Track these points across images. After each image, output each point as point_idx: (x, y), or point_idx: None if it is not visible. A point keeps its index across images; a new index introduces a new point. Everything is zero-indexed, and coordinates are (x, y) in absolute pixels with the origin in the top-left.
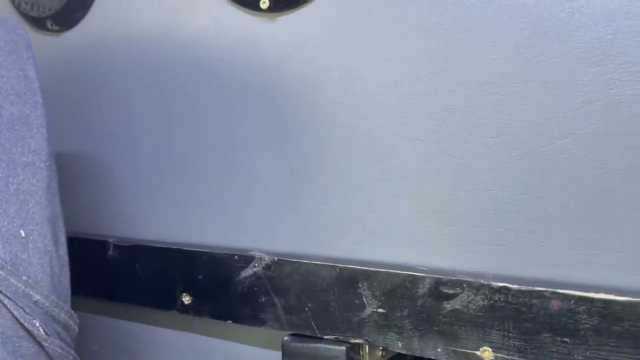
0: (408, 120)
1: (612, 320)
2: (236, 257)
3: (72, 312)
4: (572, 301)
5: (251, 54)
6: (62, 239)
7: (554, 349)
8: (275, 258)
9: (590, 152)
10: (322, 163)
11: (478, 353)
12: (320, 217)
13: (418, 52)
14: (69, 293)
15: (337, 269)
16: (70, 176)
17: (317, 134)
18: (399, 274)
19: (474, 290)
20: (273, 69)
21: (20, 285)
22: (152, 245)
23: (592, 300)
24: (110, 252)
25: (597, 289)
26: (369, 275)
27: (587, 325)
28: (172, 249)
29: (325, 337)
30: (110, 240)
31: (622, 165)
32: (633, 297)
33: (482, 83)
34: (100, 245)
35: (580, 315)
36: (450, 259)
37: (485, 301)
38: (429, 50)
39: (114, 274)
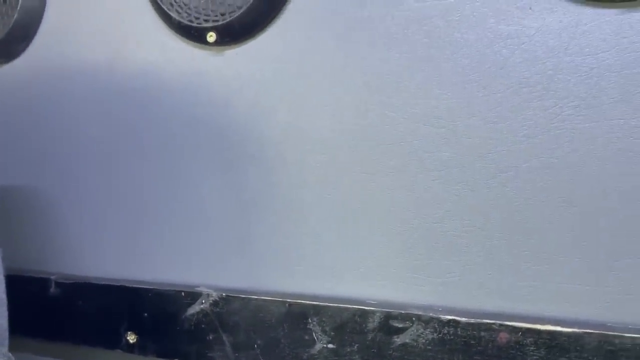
0: (356, 154)
1: (558, 352)
2: (183, 293)
3: (10, 354)
4: (520, 333)
5: (199, 86)
6: (0, 278)
7: None
8: (223, 294)
9: (534, 185)
10: (271, 197)
11: None
12: (269, 252)
13: (364, 85)
14: (6, 334)
15: (287, 305)
16: (12, 210)
17: (266, 167)
18: (349, 308)
19: (424, 324)
20: (221, 102)
21: None
22: (96, 282)
23: (539, 332)
24: (52, 290)
25: (544, 321)
26: (318, 310)
27: (534, 357)
28: (117, 285)
29: None
30: (52, 277)
31: (564, 197)
32: (579, 328)
33: (427, 117)
34: (41, 283)
35: (527, 347)
36: (399, 292)
37: (435, 334)
38: (375, 84)
39: (55, 313)
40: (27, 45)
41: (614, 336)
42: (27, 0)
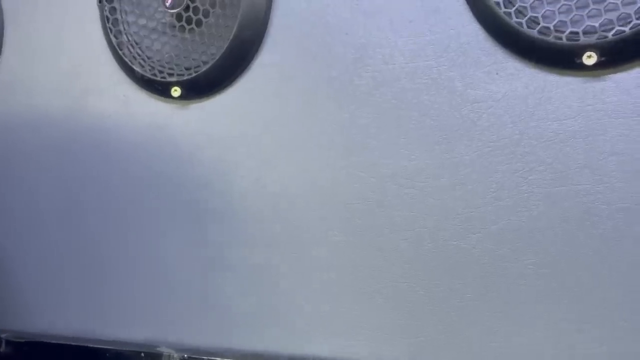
0: (324, 212)
1: None
2: (142, 354)
3: None
4: None
5: (162, 140)
6: None
7: None
8: (185, 355)
9: (502, 247)
10: (236, 254)
11: None
12: (234, 310)
13: (333, 144)
14: None
15: None
16: None
17: (231, 224)
18: None
19: None
20: (186, 157)
21: None
22: (50, 341)
23: None
24: (2, 349)
25: None
26: None
27: None
28: (72, 345)
29: None
30: (3, 335)
31: (532, 259)
32: None
33: (395, 177)
34: None
35: None
36: (369, 350)
37: None
38: (342, 143)
39: None
40: None
41: None
42: None
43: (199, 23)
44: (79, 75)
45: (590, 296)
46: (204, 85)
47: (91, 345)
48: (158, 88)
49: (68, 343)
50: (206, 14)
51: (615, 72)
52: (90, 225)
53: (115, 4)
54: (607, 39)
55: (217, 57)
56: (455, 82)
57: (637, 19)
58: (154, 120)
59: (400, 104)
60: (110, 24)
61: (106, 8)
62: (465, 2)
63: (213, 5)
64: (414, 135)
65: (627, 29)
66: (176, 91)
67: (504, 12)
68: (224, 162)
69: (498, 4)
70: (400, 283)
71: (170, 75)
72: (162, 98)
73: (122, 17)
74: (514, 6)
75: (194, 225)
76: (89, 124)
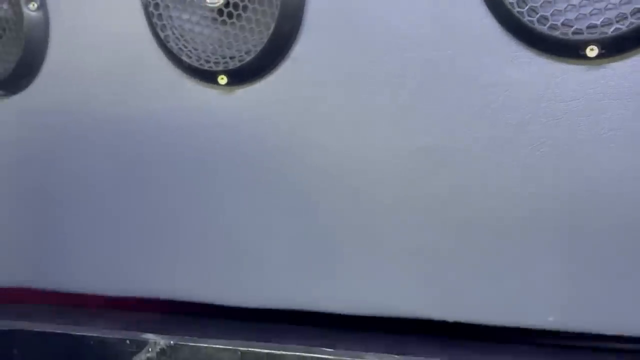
0: (370, 184)
1: None
2: (128, 341)
3: None
4: None
5: (210, 121)
6: None
7: None
8: (172, 342)
9: (517, 210)
10: (290, 221)
11: None
12: (290, 270)
13: (373, 124)
14: None
15: (239, 353)
16: None
17: (279, 196)
18: (305, 356)
19: None
20: (232, 136)
21: None
22: (32, 329)
23: None
24: None
25: None
26: (272, 358)
27: None
28: (56, 332)
29: None
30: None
31: (544, 223)
32: None
33: (429, 151)
34: None
35: None
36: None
37: None
38: (384, 122)
39: None
40: (30, 81)
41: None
42: (30, 39)
43: (239, 17)
44: (127, 66)
45: (592, 255)
46: (247, 73)
47: (74, 333)
48: (206, 76)
49: (51, 331)
50: (245, 9)
51: (613, 62)
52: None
53: (158, 0)
54: (607, 35)
55: (259, 48)
56: (472, 69)
57: (632, 17)
58: (202, 103)
59: (428, 88)
60: (155, 18)
61: (150, 3)
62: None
63: (252, 1)
64: (439, 115)
65: (624, 26)
66: (222, 79)
67: (518, 11)
68: (268, 140)
69: (512, 3)
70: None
71: (217, 64)
72: (209, 85)
73: (165, 12)
74: (526, 5)
75: (243, 193)
76: (140, 108)
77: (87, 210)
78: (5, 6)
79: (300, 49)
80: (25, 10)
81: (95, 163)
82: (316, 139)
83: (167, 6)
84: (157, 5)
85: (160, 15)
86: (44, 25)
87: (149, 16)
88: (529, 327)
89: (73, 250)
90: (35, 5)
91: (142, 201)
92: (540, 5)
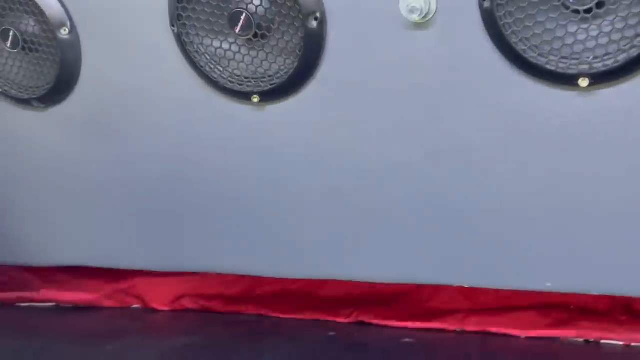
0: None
1: None
2: None
3: None
4: None
5: (245, 134)
6: None
7: None
8: None
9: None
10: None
11: None
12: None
13: (391, 133)
14: None
15: None
16: None
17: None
18: None
19: None
20: (264, 148)
21: None
22: None
23: None
24: None
25: None
26: None
27: None
28: None
29: None
30: None
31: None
32: None
33: (435, 151)
34: None
35: None
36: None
37: None
38: (400, 130)
39: None
40: (67, 95)
41: None
42: (65, 59)
43: (267, 46)
44: (158, 82)
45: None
46: (278, 92)
47: None
48: (240, 96)
49: None
50: (272, 38)
51: (602, 89)
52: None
53: (190, 30)
54: (597, 70)
55: (289, 70)
56: (481, 91)
57: (617, 56)
58: (237, 118)
59: (441, 105)
60: (187, 46)
61: (182, 33)
62: (484, 29)
63: (277, 31)
64: (443, 124)
65: (610, 62)
66: (255, 98)
67: (521, 49)
68: (300, 149)
69: (516, 43)
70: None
71: (249, 86)
72: (244, 102)
73: (197, 40)
74: (529, 43)
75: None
76: (182, 127)
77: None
78: (40, 32)
79: (323, 71)
80: (58, 35)
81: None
82: (337, 145)
83: (199, 35)
84: (187, 35)
85: (192, 43)
86: (76, 46)
87: (182, 43)
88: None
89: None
90: (67, 30)
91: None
92: (540, 44)
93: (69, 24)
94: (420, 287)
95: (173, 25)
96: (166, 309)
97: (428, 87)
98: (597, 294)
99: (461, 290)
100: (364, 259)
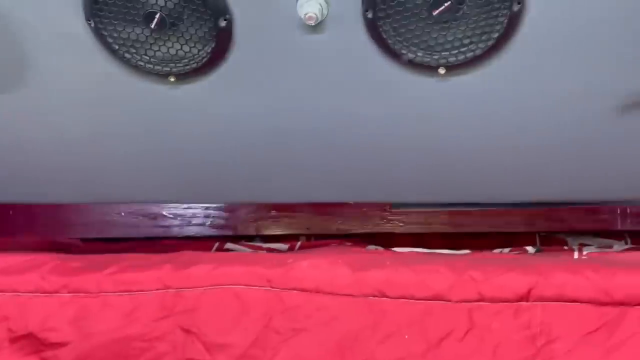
0: None
1: None
2: None
3: None
4: None
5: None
6: None
7: None
8: None
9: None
10: None
11: None
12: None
13: None
14: None
15: None
16: None
17: None
18: None
19: None
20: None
21: None
22: None
23: None
24: None
25: None
26: None
27: None
28: None
29: None
30: None
31: None
32: None
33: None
34: None
35: None
36: None
37: None
38: None
39: None
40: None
41: None
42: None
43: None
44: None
45: None
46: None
47: None
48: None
49: None
50: (185, 33)
51: (456, 76)
52: None
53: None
54: (453, 61)
55: (203, 57)
56: (357, 79)
57: (465, 52)
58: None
59: (323, 84)
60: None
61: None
62: (364, 24)
63: (189, 27)
64: (332, 100)
65: (462, 57)
66: (442, 69)
67: (390, 42)
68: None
69: (392, 43)
70: None
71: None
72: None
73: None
74: (405, 46)
75: None
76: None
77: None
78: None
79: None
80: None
81: None
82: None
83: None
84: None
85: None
86: None
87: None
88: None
89: None
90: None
91: None
92: (410, 44)
93: None
94: None
95: (89, 20)
96: None
97: (316, 70)
98: None
99: None
100: None
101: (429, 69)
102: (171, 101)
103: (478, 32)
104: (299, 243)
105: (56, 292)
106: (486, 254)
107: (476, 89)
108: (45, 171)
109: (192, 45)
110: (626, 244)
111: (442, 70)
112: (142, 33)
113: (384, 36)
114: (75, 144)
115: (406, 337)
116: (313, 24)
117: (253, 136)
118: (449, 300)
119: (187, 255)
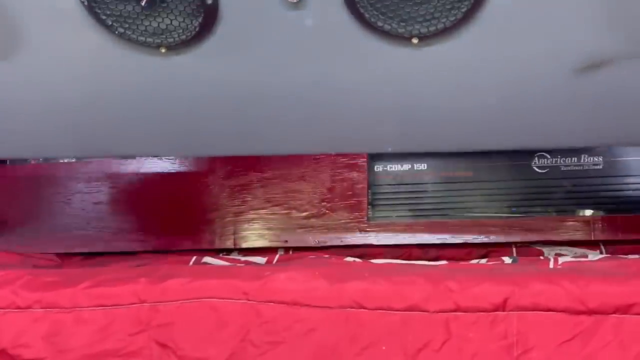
0: None
1: None
2: None
3: None
4: None
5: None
6: None
7: None
8: None
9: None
10: None
11: None
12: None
13: None
14: None
15: None
16: None
17: None
18: None
19: None
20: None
21: None
22: None
23: None
24: None
25: None
26: None
27: None
28: None
29: None
30: None
31: None
32: None
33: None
34: None
35: None
36: None
37: None
38: None
39: None
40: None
41: None
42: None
43: (170, 14)
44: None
45: None
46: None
47: None
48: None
49: None
50: (174, 9)
51: (427, 46)
52: None
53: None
54: (425, 33)
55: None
56: (338, 48)
57: (440, 22)
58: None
59: (305, 55)
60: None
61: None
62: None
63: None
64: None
65: (433, 28)
66: (415, 39)
67: (367, 16)
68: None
69: (369, 17)
70: None
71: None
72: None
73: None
74: (382, 18)
75: None
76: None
77: None
78: None
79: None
80: None
81: None
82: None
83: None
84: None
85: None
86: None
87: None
88: None
89: None
90: None
91: None
92: (386, 17)
93: None
94: None
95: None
96: None
97: (298, 41)
98: None
99: None
100: None
101: (404, 39)
102: (162, 70)
103: (448, 6)
104: (277, 256)
105: (29, 307)
106: (463, 264)
107: (447, 56)
108: (40, 128)
109: (182, 19)
110: (601, 253)
111: (415, 40)
112: (133, 9)
113: (362, 10)
114: (70, 105)
115: (384, 348)
116: (295, 1)
117: (238, 98)
118: (426, 311)
119: (163, 269)
